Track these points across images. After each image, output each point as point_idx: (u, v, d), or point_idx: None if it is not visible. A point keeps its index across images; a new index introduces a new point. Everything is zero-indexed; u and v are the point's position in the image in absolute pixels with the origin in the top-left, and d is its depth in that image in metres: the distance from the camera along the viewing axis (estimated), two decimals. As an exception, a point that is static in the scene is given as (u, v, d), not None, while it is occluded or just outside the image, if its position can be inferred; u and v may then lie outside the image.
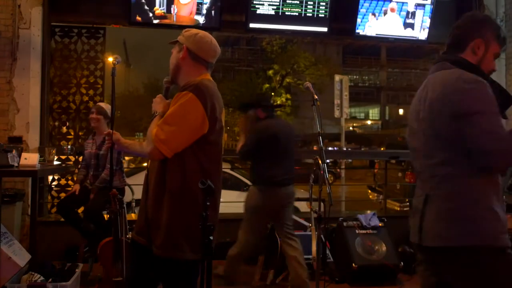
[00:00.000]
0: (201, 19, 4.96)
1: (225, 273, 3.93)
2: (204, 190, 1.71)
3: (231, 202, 6.43)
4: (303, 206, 6.59)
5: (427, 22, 5.39)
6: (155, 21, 4.88)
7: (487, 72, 1.78)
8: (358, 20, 5.25)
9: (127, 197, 4.62)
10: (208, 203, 1.73)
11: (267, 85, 22.80)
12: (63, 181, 5.11)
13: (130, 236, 2.10)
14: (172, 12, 4.89)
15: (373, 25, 5.32)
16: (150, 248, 1.93)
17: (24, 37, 4.78)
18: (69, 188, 4.70)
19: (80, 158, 4.60)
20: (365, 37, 5.40)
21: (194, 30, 2.06)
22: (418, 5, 5.36)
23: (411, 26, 5.41)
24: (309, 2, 5.11)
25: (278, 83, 22.86)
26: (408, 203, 7.18)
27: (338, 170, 13.29)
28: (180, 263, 1.91)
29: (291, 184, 3.81)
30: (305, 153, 7.49)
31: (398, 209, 7.54)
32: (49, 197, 5.11)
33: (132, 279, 2.06)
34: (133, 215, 4.95)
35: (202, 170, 1.90)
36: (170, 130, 1.85)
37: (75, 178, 4.63)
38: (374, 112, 36.93)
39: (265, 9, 5.04)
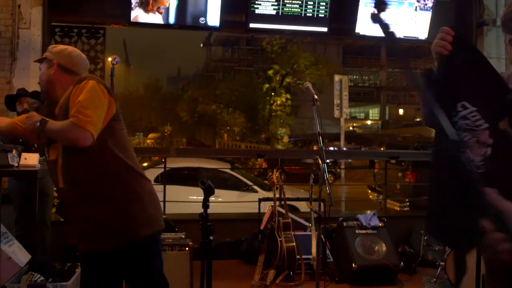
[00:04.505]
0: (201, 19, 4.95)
1: None
2: (205, 190, 1.71)
3: (231, 202, 6.43)
4: (303, 206, 6.59)
5: (427, 22, 5.39)
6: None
7: None
8: (358, 20, 5.25)
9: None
10: (208, 203, 1.73)
11: (267, 85, 22.81)
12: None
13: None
14: (172, 12, 4.88)
15: (373, 25, 5.31)
16: (99, 251, 1.93)
17: (24, 37, 4.78)
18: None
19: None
20: (365, 37, 5.39)
21: (61, 46, 2.21)
22: (418, 5, 5.36)
23: (411, 26, 5.41)
24: (309, 2, 5.11)
25: (278, 83, 22.86)
26: (408, 203, 7.17)
27: (338, 170, 13.28)
28: (134, 243, 1.92)
29: None
30: (305, 153, 7.49)
31: (398, 209, 7.52)
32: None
33: None
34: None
35: (114, 155, 1.93)
36: (90, 112, 1.86)
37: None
38: (374, 112, 36.93)
39: (265, 9, 5.04)
